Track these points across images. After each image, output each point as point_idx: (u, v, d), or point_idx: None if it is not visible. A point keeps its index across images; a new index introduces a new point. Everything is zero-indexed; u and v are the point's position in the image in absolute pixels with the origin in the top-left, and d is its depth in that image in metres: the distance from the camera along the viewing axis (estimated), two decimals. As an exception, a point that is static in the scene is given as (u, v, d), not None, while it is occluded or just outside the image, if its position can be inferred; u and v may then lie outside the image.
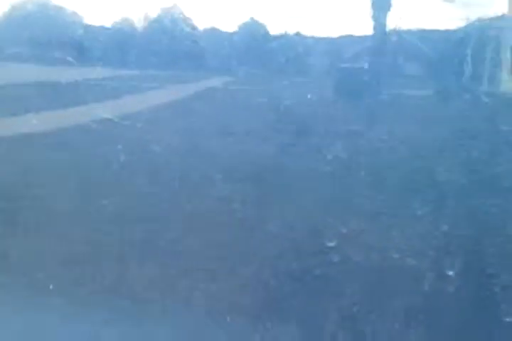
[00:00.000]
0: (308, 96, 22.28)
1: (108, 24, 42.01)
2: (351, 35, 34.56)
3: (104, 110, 15.48)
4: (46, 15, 35.75)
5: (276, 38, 35.70)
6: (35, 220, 6.63)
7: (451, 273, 5.35)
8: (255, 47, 33.73)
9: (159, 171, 9.28)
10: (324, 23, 65.71)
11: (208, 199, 7.95)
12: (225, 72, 30.89)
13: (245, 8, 76.30)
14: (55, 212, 7.14)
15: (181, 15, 38.73)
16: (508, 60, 25.30)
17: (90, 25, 38.93)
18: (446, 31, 31.94)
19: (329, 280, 5.46)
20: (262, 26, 37.28)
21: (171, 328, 4.58)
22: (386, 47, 26.83)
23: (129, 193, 8.31)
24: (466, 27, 28.70)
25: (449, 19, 61.62)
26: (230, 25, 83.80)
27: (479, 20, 27.41)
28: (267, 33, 36.77)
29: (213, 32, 37.45)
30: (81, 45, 33.29)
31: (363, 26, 54.51)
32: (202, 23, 47.33)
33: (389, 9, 25.62)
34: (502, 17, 26.24)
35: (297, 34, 36.14)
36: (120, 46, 34.44)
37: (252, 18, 37.34)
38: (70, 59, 28.65)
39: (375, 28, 26.12)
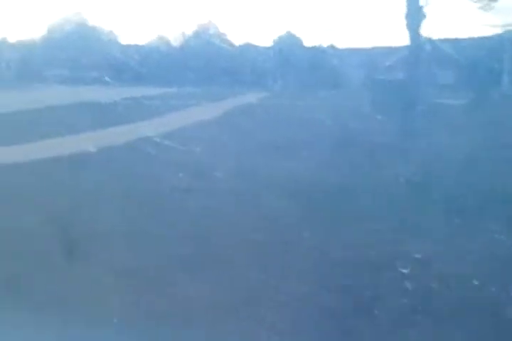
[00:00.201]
0: (347, 110, 22.01)
1: (144, 42, 42.48)
2: (385, 46, 34.27)
3: (148, 129, 15.36)
4: (83, 36, 36.04)
5: (311, 50, 35.49)
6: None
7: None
8: (290, 60, 33.53)
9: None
10: (357, 34, 65.66)
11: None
12: (261, 86, 30.78)
13: (279, 21, 76.51)
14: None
15: (217, 32, 38.93)
16: None
17: (127, 45, 39.58)
18: (482, 38, 31.43)
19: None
20: (297, 39, 37.27)
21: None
22: (421, 57, 26.30)
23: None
24: (502, 33, 28.24)
25: (485, 26, 60.81)
26: (265, 39, 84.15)
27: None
28: (302, 46, 36.66)
29: (249, 47, 37.38)
30: (118, 64, 33.48)
31: (396, 36, 54.15)
32: (237, 39, 47.47)
33: (423, 19, 25.25)
34: None
35: (331, 46, 35.98)
36: (156, 64, 34.56)
37: (288, 32, 37.32)
38: (107, 79, 28.85)
39: (410, 39, 25.69)
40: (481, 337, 4.54)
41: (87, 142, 13.40)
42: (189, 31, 40.07)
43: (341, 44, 57.99)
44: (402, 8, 25.42)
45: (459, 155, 11.61)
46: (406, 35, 26.90)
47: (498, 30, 29.43)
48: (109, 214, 7.49)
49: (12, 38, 49.32)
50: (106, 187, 9.04)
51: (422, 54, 26.40)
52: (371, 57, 32.93)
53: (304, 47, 36.96)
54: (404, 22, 25.93)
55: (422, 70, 26.25)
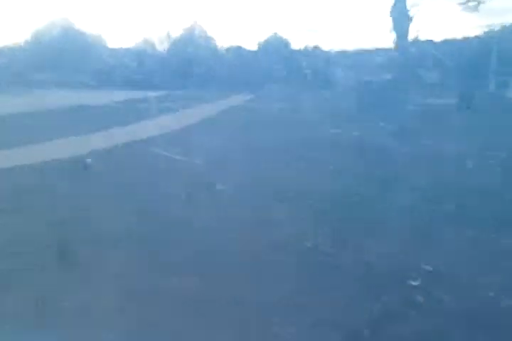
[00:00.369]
0: (336, 111, 21.70)
1: (130, 45, 42.13)
2: (371, 48, 34.24)
3: (142, 130, 15.11)
4: (70, 40, 35.59)
5: (297, 52, 35.26)
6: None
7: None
8: (277, 63, 33.29)
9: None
10: (343, 36, 65.66)
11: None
12: (247, 89, 30.48)
13: (266, 24, 76.26)
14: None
15: (203, 34, 38.52)
16: None
17: (113, 48, 39.18)
18: (467, 39, 31.51)
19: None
20: (283, 41, 36.93)
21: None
22: (408, 59, 26.30)
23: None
24: (488, 34, 28.25)
25: (471, 27, 61.17)
26: (251, 41, 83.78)
27: (502, 27, 26.97)
28: (288, 48, 36.37)
29: (235, 50, 37.08)
30: (105, 68, 33.16)
31: (382, 38, 54.14)
32: (224, 41, 47.11)
33: (410, 21, 25.26)
34: None
35: (317, 48, 35.75)
36: (143, 67, 34.23)
37: (274, 34, 37.00)
38: (94, 83, 28.66)
39: (396, 40, 25.73)
40: None
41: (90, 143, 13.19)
42: (175, 34, 39.79)
43: (328, 46, 57.84)
44: (389, 10, 25.55)
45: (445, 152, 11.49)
46: (392, 37, 26.92)
47: (482, 31, 29.44)
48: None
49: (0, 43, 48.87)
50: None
51: (408, 55, 26.43)
52: (359, 58, 32.79)
53: (291, 49, 36.83)
54: (390, 24, 26.03)
55: (409, 71, 26.20)
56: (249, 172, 9.81)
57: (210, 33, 39.27)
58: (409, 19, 24.89)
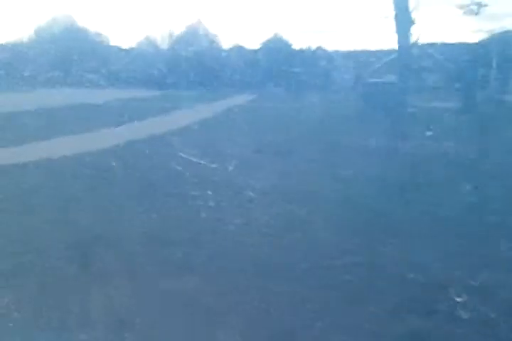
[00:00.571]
0: (335, 112, 21.60)
1: (133, 43, 41.84)
2: (374, 49, 33.98)
3: (141, 130, 14.99)
4: (72, 38, 35.28)
5: (299, 53, 35.02)
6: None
7: None
8: (279, 63, 32.94)
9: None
10: (347, 37, 65.70)
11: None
12: (249, 89, 30.25)
13: (268, 23, 76.20)
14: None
15: (206, 33, 38.27)
16: None
17: (115, 46, 38.89)
18: (468, 44, 31.32)
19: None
20: (285, 42, 36.70)
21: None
22: (410, 61, 26.00)
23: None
24: (489, 39, 28.00)
25: (472, 32, 61.15)
26: (254, 40, 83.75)
27: (503, 31, 26.70)
28: (290, 48, 36.12)
29: (237, 49, 36.79)
30: (106, 66, 32.75)
31: (384, 40, 54.09)
32: (226, 41, 46.86)
33: (412, 24, 24.97)
34: None
35: (320, 48, 35.46)
36: (145, 66, 33.88)
37: (275, 34, 36.80)
38: (95, 80, 28.17)
39: (399, 43, 25.40)
40: None
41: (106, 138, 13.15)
42: (177, 32, 39.58)
43: (330, 46, 57.65)
44: (391, 12, 25.22)
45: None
46: (394, 39, 26.64)
47: (484, 36, 29.29)
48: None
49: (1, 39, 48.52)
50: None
51: (410, 58, 26.14)
52: (360, 60, 32.52)
53: (293, 49, 36.58)
54: (392, 26, 25.73)
55: (411, 74, 25.99)
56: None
57: (212, 32, 39.09)
58: (412, 22, 24.55)
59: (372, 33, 68.79)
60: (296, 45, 40.52)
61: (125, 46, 39.14)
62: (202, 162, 10.09)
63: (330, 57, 34.16)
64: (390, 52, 30.45)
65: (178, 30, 42.52)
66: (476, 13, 26.56)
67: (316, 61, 33.24)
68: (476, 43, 30.03)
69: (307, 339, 4.51)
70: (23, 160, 10.58)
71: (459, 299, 4.82)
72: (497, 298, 5.06)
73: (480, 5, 26.16)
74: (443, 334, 4.53)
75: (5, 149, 11.75)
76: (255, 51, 36.97)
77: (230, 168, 9.68)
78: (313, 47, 36.64)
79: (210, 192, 8.05)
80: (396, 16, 25.03)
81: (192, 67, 32.06)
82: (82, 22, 54.29)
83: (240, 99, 26.67)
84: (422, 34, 34.62)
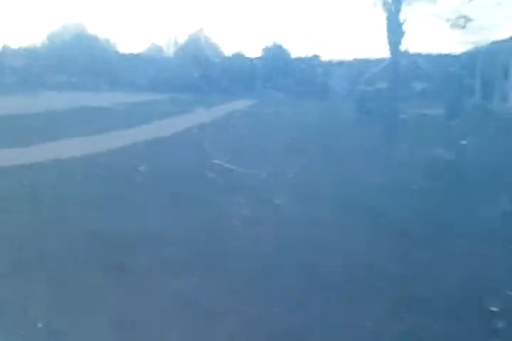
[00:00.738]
0: (331, 119, 21.90)
1: (139, 50, 42.22)
2: (365, 58, 34.40)
3: (149, 132, 15.13)
4: (82, 44, 35.55)
5: (297, 61, 35.46)
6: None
7: None
8: (278, 70, 33.34)
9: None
10: (342, 46, 66.29)
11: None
12: (249, 95, 30.66)
13: (267, 32, 76.69)
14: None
15: (208, 41, 38.71)
16: None
17: (123, 53, 39.21)
18: (455, 54, 31.91)
19: None
20: (284, 50, 37.14)
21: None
22: (401, 70, 26.41)
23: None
24: (474, 50, 28.43)
25: (458, 43, 61.87)
26: (254, 48, 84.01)
27: (487, 44, 27.15)
28: (288, 56, 36.57)
29: (238, 57, 37.19)
30: (114, 71, 33.15)
31: (374, 49, 54.68)
32: (228, 48, 47.30)
33: (403, 35, 25.38)
34: (509, 39, 25.89)
35: (316, 56, 35.94)
36: (150, 72, 34.25)
37: (274, 43, 37.25)
38: (104, 85, 28.68)
39: (390, 52, 25.77)
40: None
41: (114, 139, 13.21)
42: (182, 40, 40.00)
43: (327, 55, 58.31)
44: (383, 23, 25.62)
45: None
46: (385, 48, 27.07)
47: (469, 48, 29.77)
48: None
49: (14, 45, 48.62)
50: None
51: (401, 67, 26.54)
52: (353, 68, 33.03)
53: (291, 57, 37.02)
54: (381, 36, 26.13)
55: (402, 82, 26.40)
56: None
57: (214, 40, 39.66)
58: (403, 33, 24.90)
59: (366, 42, 69.56)
60: (295, 53, 41.13)
61: (132, 52, 39.39)
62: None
63: (326, 65, 34.67)
64: (382, 61, 30.97)
65: (182, 38, 42.94)
66: (463, 27, 26.92)
67: (312, 69, 33.65)
68: (462, 54, 30.61)
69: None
70: (46, 159, 10.76)
71: None
72: None
73: (466, 19, 26.54)
74: None
75: (24, 148, 11.89)
76: (255, 59, 37.51)
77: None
78: (311, 55, 37.35)
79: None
80: (388, 28, 25.47)
81: (194, 73, 32.42)
82: (92, 29, 54.66)
83: (241, 104, 27.03)
84: (412, 45, 35.09)
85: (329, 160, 11.60)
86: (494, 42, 27.17)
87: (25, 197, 7.69)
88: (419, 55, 31.41)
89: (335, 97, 29.85)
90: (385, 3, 25.29)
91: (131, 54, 38.02)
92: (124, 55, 37.43)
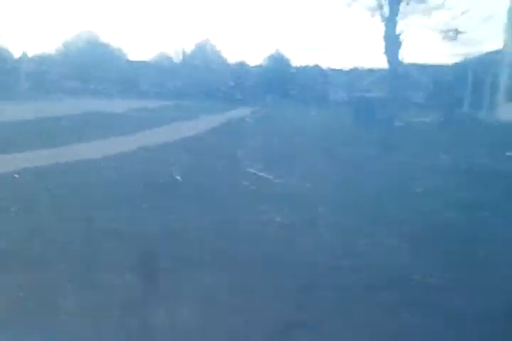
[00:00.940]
0: (332, 125, 22.14)
1: (148, 58, 42.46)
2: (362, 67, 34.82)
3: (157, 136, 15.35)
4: (95, 52, 35.79)
5: (297, 69, 35.88)
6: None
7: None
8: (279, 78, 33.65)
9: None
10: (341, 56, 67.20)
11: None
12: (251, 101, 30.89)
13: (269, 40, 77.76)
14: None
15: (213, 49, 38.97)
16: (503, 90, 25.28)
17: (133, 60, 39.40)
18: (447, 65, 32.27)
19: None
20: (285, 59, 37.43)
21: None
22: (397, 79, 26.81)
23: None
24: (465, 61, 28.79)
25: (450, 55, 62.56)
26: (255, 56, 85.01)
27: (477, 55, 27.58)
28: (289, 65, 36.89)
29: (241, 65, 37.47)
30: (125, 78, 33.36)
31: (371, 59, 55.45)
32: (232, 56, 47.70)
33: (400, 46, 25.76)
34: (497, 52, 26.15)
35: (316, 65, 36.33)
36: (159, 79, 34.52)
37: (277, 51, 37.58)
38: (115, 91, 28.72)
39: (388, 62, 26.16)
40: None
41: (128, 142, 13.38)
42: (188, 48, 40.32)
43: (326, 63, 58.95)
44: (381, 33, 26.02)
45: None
46: (381, 58, 27.49)
47: (460, 59, 30.18)
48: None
49: (31, 52, 48.86)
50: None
51: (397, 76, 26.93)
52: (352, 77, 33.46)
53: (292, 66, 37.33)
54: (379, 46, 26.50)
55: (397, 91, 26.80)
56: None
57: (219, 49, 39.86)
58: (400, 44, 25.36)
59: (364, 52, 70.48)
60: (295, 62, 41.54)
61: (142, 60, 39.67)
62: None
63: (325, 73, 34.97)
64: (379, 70, 31.36)
65: (189, 46, 43.16)
66: (454, 39, 27.35)
67: (312, 77, 33.94)
68: (453, 65, 31.01)
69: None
70: (71, 159, 10.91)
71: None
72: None
73: (457, 31, 26.95)
74: None
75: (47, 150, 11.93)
76: (257, 66, 37.92)
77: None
78: (310, 64, 37.53)
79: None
80: (385, 38, 25.83)
81: (200, 81, 32.75)
82: (104, 37, 55.19)
83: (245, 111, 27.24)
84: (407, 55, 35.51)
85: (363, 167, 11.68)
86: (483, 54, 27.56)
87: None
88: (414, 64, 31.81)
89: (333, 105, 30.12)
90: (382, 16, 25.82)
91: (141, 61, 38.36)
92: (134, 63, 37.71)
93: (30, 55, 36.51)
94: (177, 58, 38.55)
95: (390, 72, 25.98)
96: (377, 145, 16.06)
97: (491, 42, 52.20)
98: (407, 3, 26.98)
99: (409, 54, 28.31)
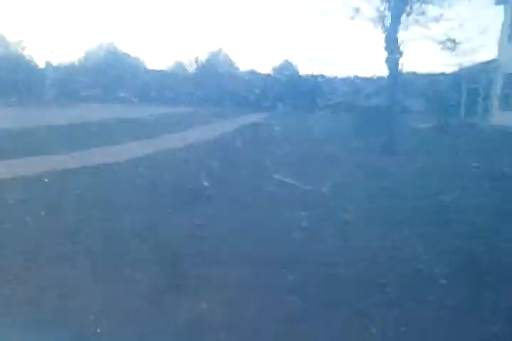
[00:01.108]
0: (338, 130, 22.76)
1: (165, 67, 43.19)
2: (365, 76, 35.53)
3: (177, 140, 15.89)
4: (115, 61, 36.56)
5: (304, 77, 36.58)
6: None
7: None
8: (287, 86, 34.39)
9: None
10: (346, 65, 68.34)
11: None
12: (261, 108, 31.53)
13: (278, 51, 79.40)
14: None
15: (226, 59, 39.70)
16: (497, 98, 25.68)
17: (150, 69, 40.30)
18: (445, 74, 32.86)
19: None
20: (293, 67, 38.48)
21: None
22: (397, 87, 27.29)
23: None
24: (461, 70, 29.14)
25: (448, 64, 62.95)
26: (266, 66, 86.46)
27: (471, 65, 27.98)
28: (297, 73, 37.74)
29: (252, 73, 38.22)
30: (143, 86, 34.14)
31: (371, 68, 56.43)
32: (243, 65, 48.65)
33: (401, 56, 26.25)
34: (492, 61, 26.28)
35: (321, 75, 37.07)
36: (175, 87, 35.25)
37: (285, 61, 38.47)
38: (134, 98, 29.42)
39: (389, 71, 26.64)
40: None
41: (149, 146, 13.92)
42: (202, 57, 41.19)
43: (330, 72, 59.86)
44: (382, 44, 26.50)
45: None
46: (383, 67, 27.93)
47: (457, 68, 30.64)
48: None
49: (55, 61, 49.68)
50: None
51: (398, 84, 27.41)
52: (354, 85, 33.99)
53: (299, 74, 38.19)
54: (380, 56, 26.87)
55: (398, 98, 27.30)
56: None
57: (231, 58, 40.64)
58: (400, 54, 25.70)
59: (366, 61, 71.60)
60: (302, 71, 42.18)
61: (159, 69, 40.44)
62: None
63: (330, 82, 35.69)
64: (380, 78, 31.85)
65: (203, 55, 43.78)
66: (452, 49, 27.69)
67: (318, 85, 34.63)
68: (451, 74, 31.53)
69: None
70: (122, 158, 11.46)
71: None
72: None
73: (455, 42, 27.36)
74: None
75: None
76: (266, 75, 38.65)
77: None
78: (316, 72, 38.57)
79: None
80: (387, 48, 26.34)
81: (214, 88, 33.50)
82: (123, 48, 56.44)
83: (256, 117, 27.91)
84: (407, 64, 35.86)
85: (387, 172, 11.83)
86: (478, 64, 27.86)
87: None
88: (414, 73, 32.50)
89: (337, 111, 30.54)
90: (384, 27, 26.30)
91: (158, 70, 39.20)
92: (151, 71, 38.51)
93: (54, 64, 37.42)
94: (191, 67, 39.36)
95: (390, 80, 26.44)
96: (377, 149, 16.53)
97: (486, 52, 52.85)
98: (408, 15, 26.92)
99: (410, 63, 28.79)
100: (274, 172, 10.01)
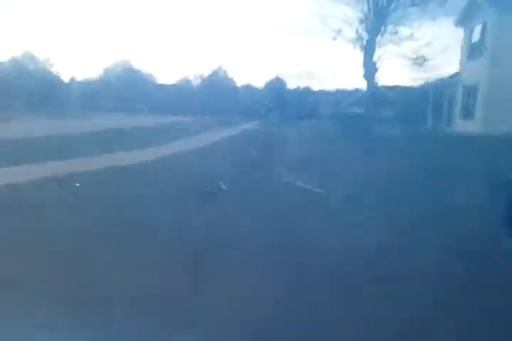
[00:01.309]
0: (326, 135, 24.34)
1: (173, 81, 45.13)
2: (345, 89, 37.57)
3: (188, 144, 16.33)
4: (129, 76, 38.70)
5: (293, 90, 38.93)
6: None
7: None
8: (277, 98, 36.67)
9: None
10: (327, 78, 73.07)
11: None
12: (255, 118, 34.06)
13: (270, 67, 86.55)
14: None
15: (225, 74, 42.19)
16: (459, 108, 26.19)
17: (161, 84, 42.98)
18: (413, 87, 34.71)
19: None
20: (283, 82, 41.26)
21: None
22: (373, 99, 29.25)
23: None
24: (428, 84, 30.41)
25: (417, 78, 66.11)
26: (260, 80, 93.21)
27: (438, 78, 29.06)
28: (286, 87, 40.28)
29: (248, 87, 40.65)
30: (154, 98, 36.17)
31: (352, 82, 59.18)
32: (240, 80, 51.41)
33: (376, 71, 28.21)
34: (454, 75, 27.34)
35: (307, 88, 39.67)
36: (182, 99, 37.49)
37: (276, 76, 41.17)
38: (146, 109, 31.48)
39: (366, 84, 28.60)
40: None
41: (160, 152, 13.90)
42: (205, 73, 44.12)
43: (316, 86, 64.07)
44: (360, 61, 28.43)
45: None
46: (361, 81, 29.27)
47: (424, 82, 32.32)
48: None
49: (79, 77, 52.06)
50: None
51: (373, 96, 29.34)
52: (337, 97, 36.11)
53: (288, 88, 41.01)
54: (358, 71, 28.18)
55: (374, 108, 29.36)
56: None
57: (230, 73, 43.12)
58: (376, 69, 27.69)
59: (347, 76, 76.51)
60: (291, 85, 44.21)
61: (168, 83, 42.49)
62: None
63: (315, 94, 37.94)
64: (359, 91, 33.86)
65: (206, 72, 45.73)
66: (421, 65, 29.24)
67: (305, 97, 36.95)
68: (419, 87, 33.22)
69: None
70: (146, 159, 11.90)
71: None
72: None
73: (424, 58, 28.84)
74: None
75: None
76: (261, 89, 41.20)
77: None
78: (303, 86, 41.62)
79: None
80: (364, 65, 28.24)
81: (215, 100, 35.93)
82: (137, 64, 60.49)
83: (252, 124, 29.60)
84: (382, 79, 37.41)
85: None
86: (443, 78, 28.66)
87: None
88: (387, 87, 34.48)
89: (322, 120, 32.74)
90: (362, 47, 27.96)
91: (168, 85, 41.42)
92: (161, 86, 40.71)
93: (78, 79, 39.20)
94: (196, 82, 41.83)
95: (368, 92, 28.51)
96: (357, 150, 18.23)
97: (449, 67, 55.06)
98: (382, 35, 27.72)
99: (384, 77, 29.97)
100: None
